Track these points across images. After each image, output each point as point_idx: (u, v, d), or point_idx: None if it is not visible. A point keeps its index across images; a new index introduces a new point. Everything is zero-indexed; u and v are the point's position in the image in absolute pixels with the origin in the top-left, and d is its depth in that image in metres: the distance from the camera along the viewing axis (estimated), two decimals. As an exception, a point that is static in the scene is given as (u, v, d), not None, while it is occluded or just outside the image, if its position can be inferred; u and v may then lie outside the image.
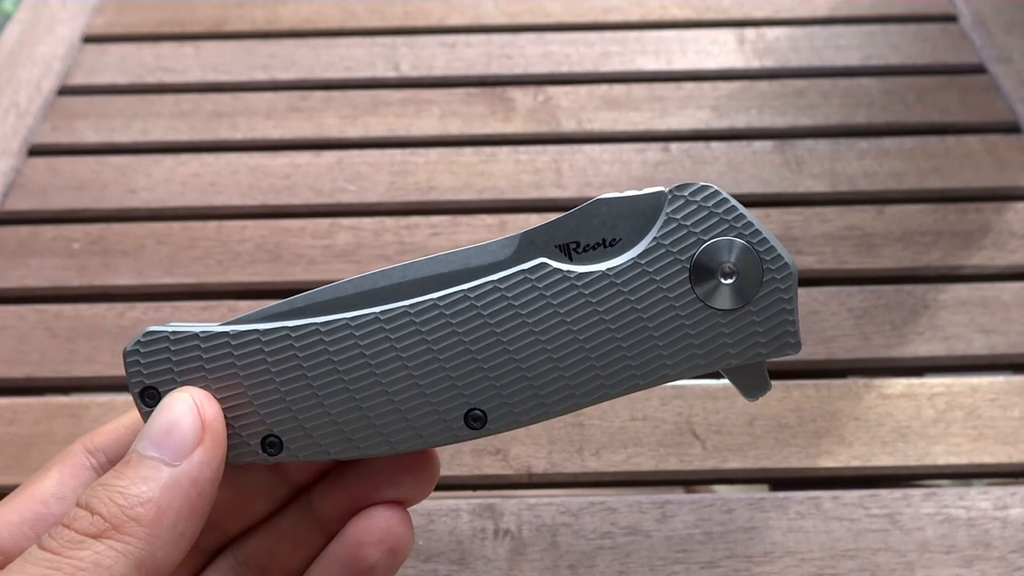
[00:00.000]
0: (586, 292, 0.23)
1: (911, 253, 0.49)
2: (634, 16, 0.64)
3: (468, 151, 0.55)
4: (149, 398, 0.23)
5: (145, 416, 0.23)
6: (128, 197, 0.53)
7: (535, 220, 0.51)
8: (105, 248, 0.51)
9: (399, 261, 0.49)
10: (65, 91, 0.60)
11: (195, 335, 0.23)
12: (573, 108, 0.58)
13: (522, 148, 0.56)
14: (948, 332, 0.46)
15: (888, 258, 0.49)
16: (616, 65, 0.61)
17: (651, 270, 0.23)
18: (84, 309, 0.48)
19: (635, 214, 0.23)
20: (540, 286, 0.23)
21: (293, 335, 0.23)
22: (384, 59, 0.61)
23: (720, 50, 0.61)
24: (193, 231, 0.51)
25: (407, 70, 0.61)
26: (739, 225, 0.23)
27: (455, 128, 0.57)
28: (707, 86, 0.59)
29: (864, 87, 0.59)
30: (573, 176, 0.54)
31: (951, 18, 0.63)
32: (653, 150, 0.55)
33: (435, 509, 0.40)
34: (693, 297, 0.23)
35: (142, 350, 0.23)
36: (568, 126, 0.57)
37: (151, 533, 0.21)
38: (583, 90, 0.59)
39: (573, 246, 0.24)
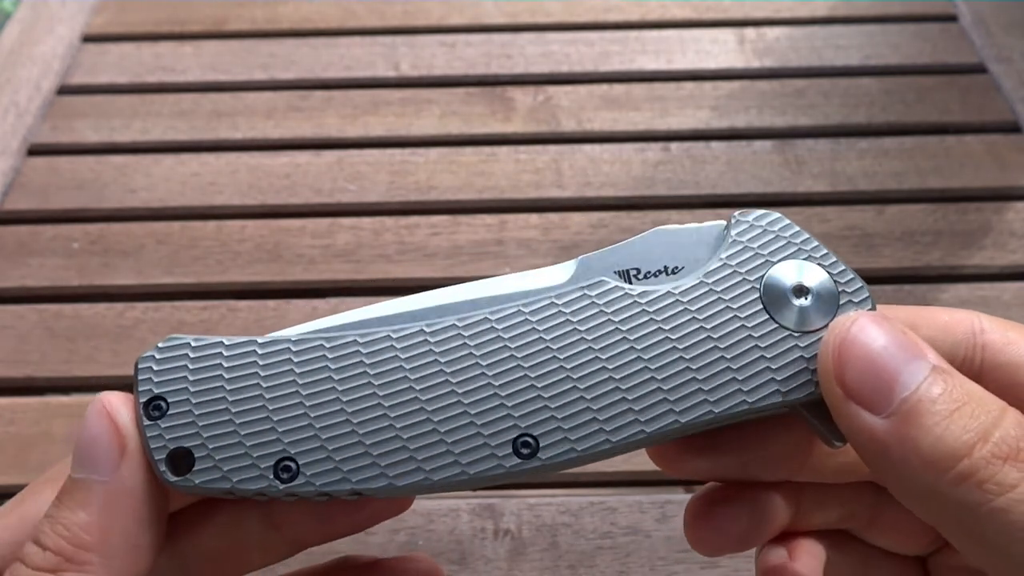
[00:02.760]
0: (650, 310, 0.21)
1: (911, 253, 0.49)
2: (634, 16, 0.64)
3: (468, 151, 0.55)
4: (155, 410, 0.21)
5: (142, 430, 0.21)
6: (128, 197, 0.53)
7: (535, 220, 0.51)
8: (105, 248, 0.51)
9: (399, 261, 0.49)
10: (65, 91, 0.60)
11: (219, 342, 0.21)
12: (573, 108, 0.58)
13: (522, 148, 0.56)
14: (948, 332, 0.46)
15: (888, 258, 0.49)
16: (616, 65, 0.61)
17: (719, 289, 0.22)
18: (84, 309, 0.48)
19: (697, 244, 0.22)
20: (600, 303, 0.21)
21: (327, 345, 0.21)
22: (384, 59, 0.61)
23: (720, 50, 0.61)
24: (193, 231, 0.51)
25: (407, 70, 0.61)
26: (808, 248, 0.22)
27: (455, 128, 0.57)
28: (707, 86, 0.59)
29: (864, 87, 0.59)
30: (573, 176, 0.54)
31: (951, 18, 0.63)
32: (653, 150, 0.55)
33: (435, 509, 0.40)
34: (767, 317, 0.21)
35: (158, 356, 0.21)
36: (568, 126, 0.57)
37: (104, 554, 0.20)
38: (583, 90, 0.59)
39: (634, 272, 0.22)
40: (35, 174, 0.55)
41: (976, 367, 0.22)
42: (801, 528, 0.25)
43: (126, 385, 0.22)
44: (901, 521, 0.24)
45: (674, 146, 0.55)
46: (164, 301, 0.48)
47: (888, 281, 0.49)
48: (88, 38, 0.63)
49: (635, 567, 0.38)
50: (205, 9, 0.65)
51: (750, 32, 0.62)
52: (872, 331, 0.20)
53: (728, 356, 0.21)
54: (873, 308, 0.22)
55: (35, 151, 0.56)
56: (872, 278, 0.49)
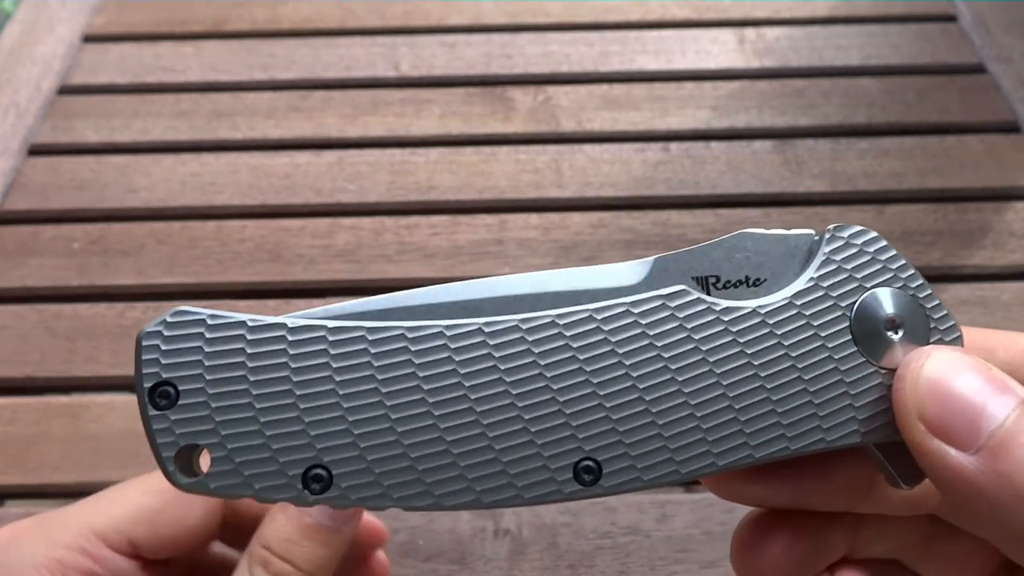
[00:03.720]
0: (733, 330, 0.19)
1: (911, 253, 0.49)
2: (634, 16, 0.64)
3: (468, 151, 0.55)
4: (162, 397, 0.18)
5: (147, 420, 0.18)
6: (128, 197, 0.53)
7: (535, 220, 0.51)
8: (105, 248, 0.51)
9: (399, 261, 0.49)
10: (65, 91, 0.60)
11: (242, 322, 0.18)
12: (573, 108, 0.58)
13: (522, 148, 0.56)
14: (948, 332, 0.46)
15: (888, 258, 0.49)
16: (616, 65, 0.61)
17: (807, 313, 0.20)
18: (84, 309, 0.48)
19: (783, 254, 0.21)
20: (680, 315, 0.19)
21: (370, 337, 0.18)
22: (384, 59, 0.61)
23: (720, 50, 0.61)
24: (193, 231, 0.51)
25: (407, 70, 0.61)
26: (904, 276, 0.20)
27: (455, 128, 0.57)
28: (707, 86, 0.59)
29: (864, 87, 0.59)
30: (573, 176, 0.54)
31: (951, 18, 0.63)
32: (653, 150, 0.55)
33: (435, 509, 0.40)
34: (855, 350, 0.20)
35: (166, 332, 0.18)
36: (568, 126, 0.57)
37: None
38: (583, 90, 0.59)
39: (713, 280, 0.20)
40: (35, 174, 0.55)
41: None
42: (852, 558, 0.23)
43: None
44: (955, 553, 0.23)
45: (674, 146, 0.55)
46: (164, 301, 0.48)
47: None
48: (88, 38, 0.63)
49: (635, 567, 0.38)
50: (205, 9, 0.65)
51: (750, 32, 0.62)
52: (954, 365, 0.19)
53: (811, 389, 0.19)
54: (963, 344, 0.20)
55: (35, 151, 0.56)
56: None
